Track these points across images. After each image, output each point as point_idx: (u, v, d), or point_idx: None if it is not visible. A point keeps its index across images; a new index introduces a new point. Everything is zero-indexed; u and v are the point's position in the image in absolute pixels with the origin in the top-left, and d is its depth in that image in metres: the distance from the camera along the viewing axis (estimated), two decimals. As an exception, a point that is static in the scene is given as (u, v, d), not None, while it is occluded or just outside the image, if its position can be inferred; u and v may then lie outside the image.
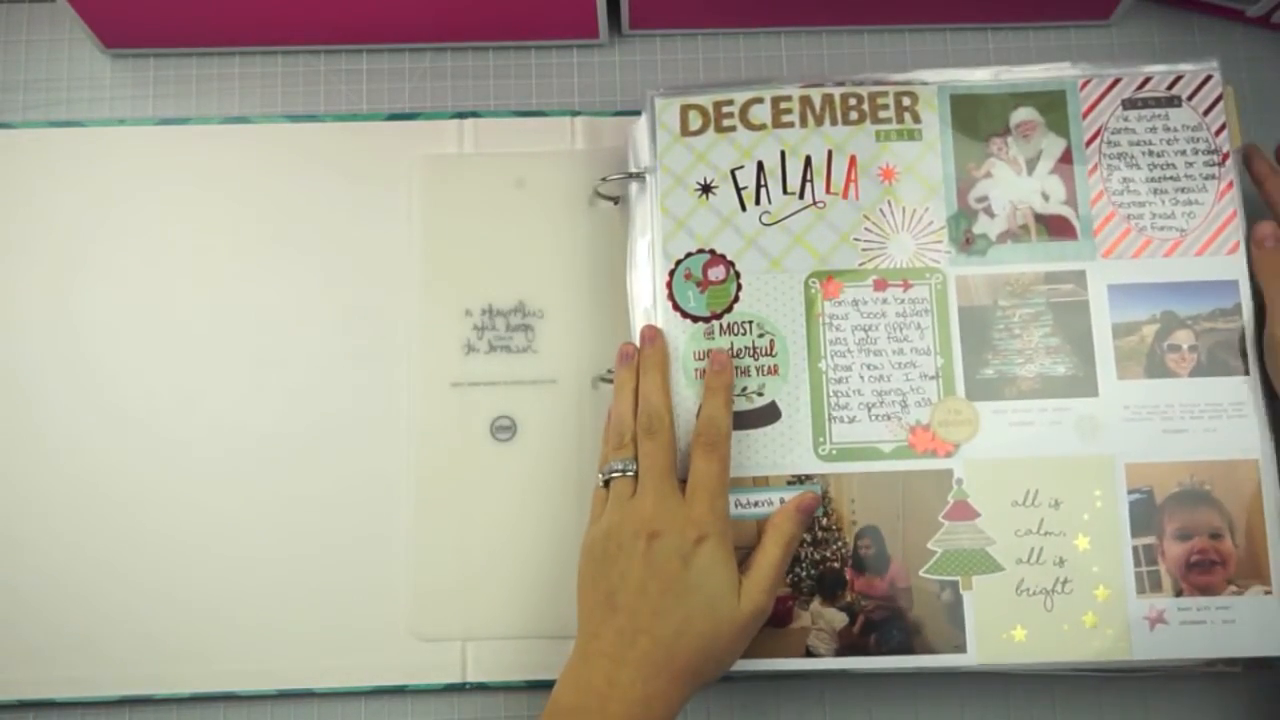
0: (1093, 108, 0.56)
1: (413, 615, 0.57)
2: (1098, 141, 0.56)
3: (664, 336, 0.55)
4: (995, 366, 0.54)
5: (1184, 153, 0.56)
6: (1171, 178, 0.56)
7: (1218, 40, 0.64)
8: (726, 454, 0.52)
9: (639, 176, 0.58)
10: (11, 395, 0.59)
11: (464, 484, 0.58)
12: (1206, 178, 0.55)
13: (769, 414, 0.54)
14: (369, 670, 0.57)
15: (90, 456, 0.58)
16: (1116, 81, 0.56)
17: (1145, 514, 0.53)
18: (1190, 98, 0.56)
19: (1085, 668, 0.52)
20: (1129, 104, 0.56)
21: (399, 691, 0.57)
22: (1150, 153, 0.56)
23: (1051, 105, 0.56)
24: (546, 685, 0.55)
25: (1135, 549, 0.53)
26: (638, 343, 0.55)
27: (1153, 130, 0.56)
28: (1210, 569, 0.52)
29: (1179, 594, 0.52)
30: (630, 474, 0.52)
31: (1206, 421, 0.53)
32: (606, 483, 0.52)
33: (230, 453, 0.58)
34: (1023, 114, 0.56)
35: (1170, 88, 0.56)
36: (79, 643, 0.57)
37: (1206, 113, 0.56)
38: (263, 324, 0.60)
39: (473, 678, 0.57)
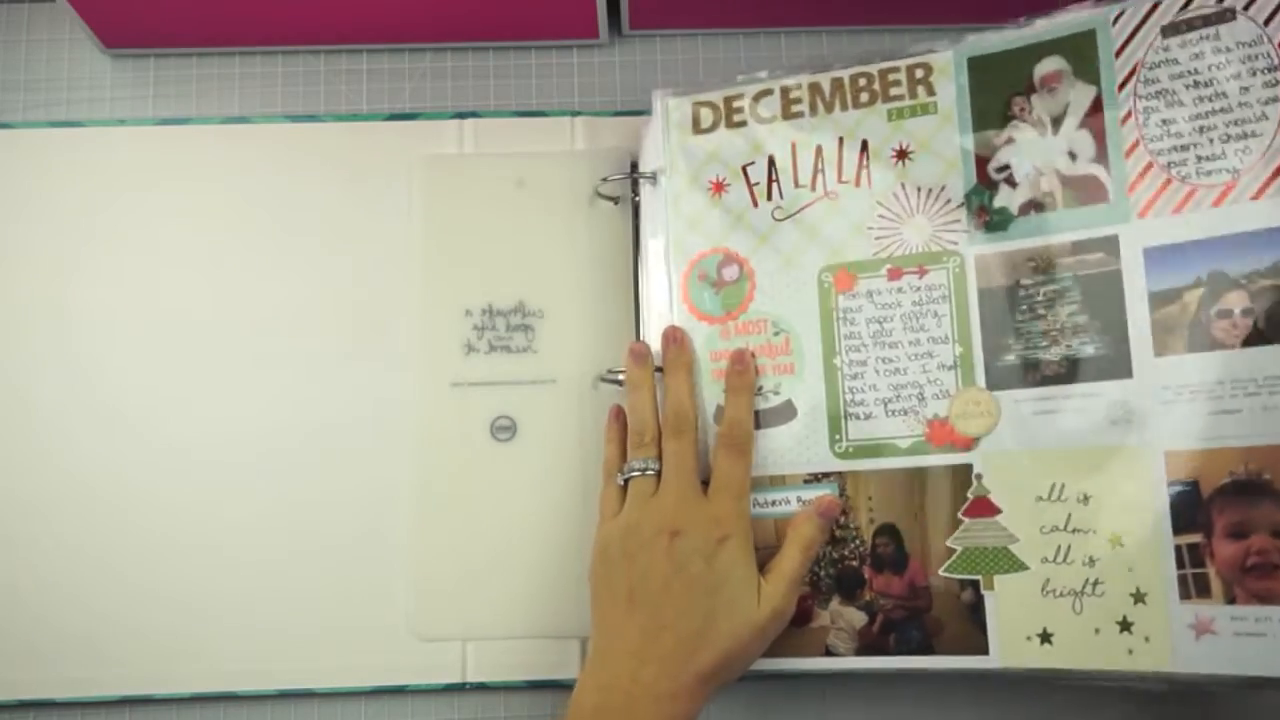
0: (1127, 43, 0.49)
1: (413, 615, 0.56)
2: (1133, 81, 0.48)
3: (689, 337, 0.53)
4: (1017, 352, 0.49)
5: (1238, 75, 0.47)
6: (1222, 110, 0.47)
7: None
8: (750, 455, 0.50)
9: (648, 177, 0.56)
10: (11, 395, 0.57)
11: (464, 484, 0.56)
12: (1266, 102, 0.46)
13: (785, 412, 0.52)
14: (369, 670, 0.55)
15: (90, 456, 0.57)
16: (1156, 6, 0.48)
17: (1189, 509, 0.45)
18: (1247, 6, 0.47)
19: (1119, 678, 0.47)
20: (1169, 30, 0.48)
21: (399, 691, 0.56)
22: (1196, 84, 0.47)
23: (1080, 49, 0.49)
24: (546, 685, 0.55)
25: (1179, 549, 0.45)
26: (660, 343, 0.54)
27: (1198, 56, 0.47)
28: (1272, 573, 0.44)
29: (1232, 601, 0.44)
30: (651, 473, 0.50)
31: (1265, 398, 0.44)
32: (626, 482, 0.51)
33: (230, 452, 0.57)
34: (1048, 65, 0.50)
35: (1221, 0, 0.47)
36: (79, 643, 0.55)
37: (1268, 21, 0.46)
38: (263, 324, 0.58)
39: (473, 678, 0.55)
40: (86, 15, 0.59)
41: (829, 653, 0.51)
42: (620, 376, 0.56)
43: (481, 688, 0.56)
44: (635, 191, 0.58)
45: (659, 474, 0.50)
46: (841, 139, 0.53)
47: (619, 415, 0.54)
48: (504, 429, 0.57)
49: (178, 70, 0.63)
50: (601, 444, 0.55)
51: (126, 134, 0.61)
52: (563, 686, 0.56)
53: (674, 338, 0.53)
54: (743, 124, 0.55)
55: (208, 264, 0.59)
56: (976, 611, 0.49)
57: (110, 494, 0.57)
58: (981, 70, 0.51)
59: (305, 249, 0.59)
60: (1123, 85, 0.49)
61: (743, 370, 0.52)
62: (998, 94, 0.51)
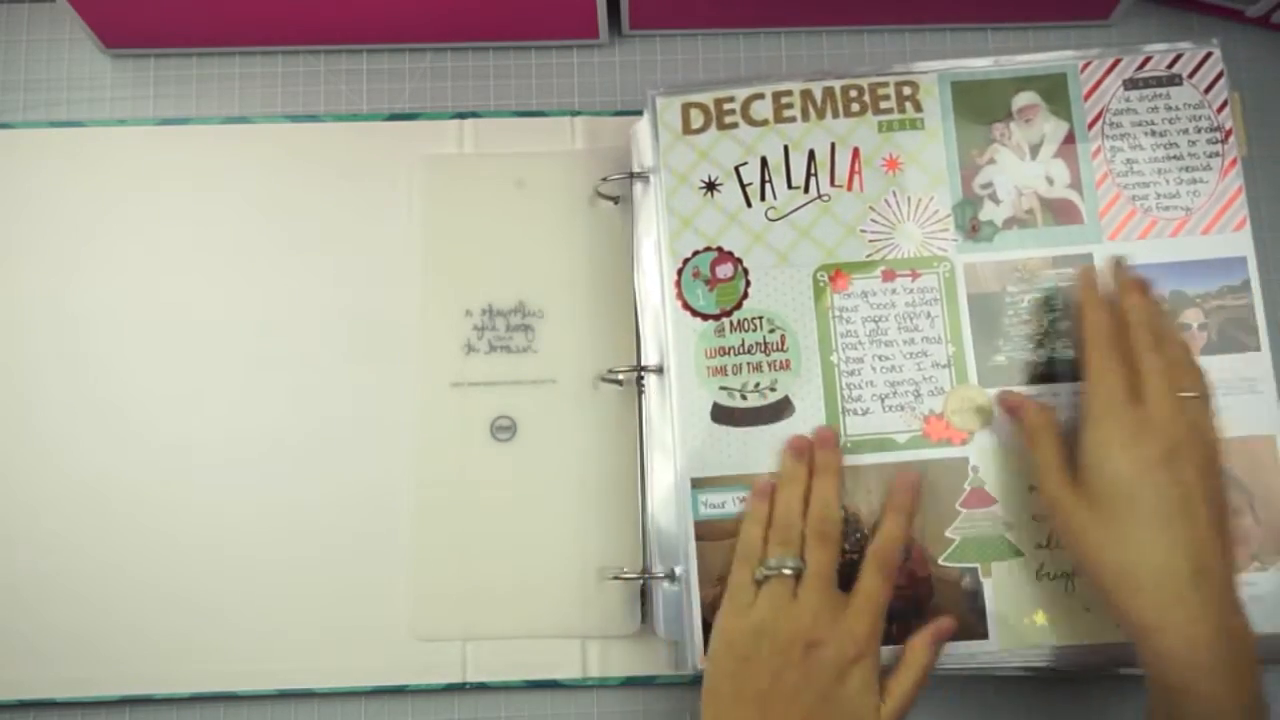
0: (1094, 89, 0.55)
1: (413, 615, 0.56)
2: (1100, 123, 0.55)
3: (837, 441, 0.52)
4: (1006, 353, 0.53)
5: (1186, 131, 0.55)
6: (1175, 157, 0.55)
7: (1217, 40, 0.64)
8: (894, 576, 0.50)
9: (642, 176, 0.57)
10: (11, 395, 0.58)
11: (464, 484, 0.57)
12: (1210, 155, 0.55)
13: (782, 409, 0.53)
14: (369, 670, 0.56)
15: (90, 457, 0.57)
16: (1117, 62, 0.55)
17: None
18: (1191, 75, 0.55)
19: (1111, 654, 0.51)
20: (1130, 84, 0.55)
21: (399, 691, 0.56)
22: (1153, 132, 0.55)
23: (1053, 88, 0.55)
24: (546, 685, 0.56)
25: None
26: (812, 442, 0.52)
27: (1154, 110, 0.55)
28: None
29: None
30: (788, 572, 0.49)
31: (1219, 399, 0.51)
32: (765, 578, 0.50)
33: (230, 452, 0.58)
34: (1024, 98, 0.55)
35: (1170, 66, 0.55)
36: (79, 643, 0.56)
37: (1208, 90, 0.55)
38: (263, 324, 0.59)
39: (473, 678, 0.56)
40: (86, 15, 0.60)
41: None
42: (620, 376, 0.56)
43: (481, 688, 0.56)
44: (636, 191, 0.59)
45: (797, 575, 0.49)
46: (834, 144, 0.56)
47: (767, 494, 0.52)
48: (504, 429, 0.57)
49: (178, 70, 0.63)
50: (602, 443, 0.56)
51: (126, 134, 0.61)
52: (562, 686, 0.56)
53: (826, 439, 0.53)
54: (734, 125, 0.56)
55: (208, 264, 0.60)
56: (976, 598, 0.52)
57: (111, 494, 0.58)
58: (964, 95, 0.56)
59: (305, 249, 0.60)
60: (1092, 124, 0.55)
61: (907, 490, 0.51)
62: (980, 118, 0.56)
